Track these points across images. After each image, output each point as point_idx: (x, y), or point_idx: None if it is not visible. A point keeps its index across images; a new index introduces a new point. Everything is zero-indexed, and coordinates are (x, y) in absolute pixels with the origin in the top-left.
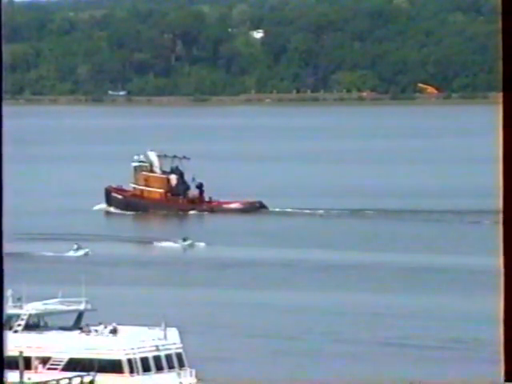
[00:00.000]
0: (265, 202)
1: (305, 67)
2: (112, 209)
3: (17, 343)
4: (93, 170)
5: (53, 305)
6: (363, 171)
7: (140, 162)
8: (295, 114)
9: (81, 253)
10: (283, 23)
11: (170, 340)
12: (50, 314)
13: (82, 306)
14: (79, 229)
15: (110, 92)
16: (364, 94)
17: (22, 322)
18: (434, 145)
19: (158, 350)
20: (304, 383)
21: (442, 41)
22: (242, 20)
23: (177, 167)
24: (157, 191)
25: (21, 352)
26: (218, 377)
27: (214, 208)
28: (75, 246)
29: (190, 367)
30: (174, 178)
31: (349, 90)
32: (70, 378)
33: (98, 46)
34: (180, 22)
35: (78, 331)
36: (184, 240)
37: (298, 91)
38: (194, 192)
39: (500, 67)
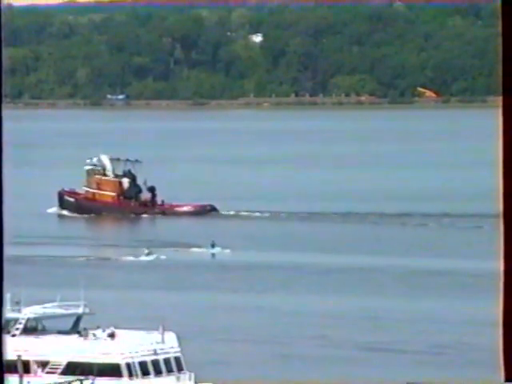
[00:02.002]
0: (219, 205)
1: (304, 71)
2: (65, 212)
3: (15, 347)
4: (56, 173)
5: (51, 308)
6: (361, 175)
7: (93, 165)
8: (294, 118)
9: (151, 257)
10: (282, 27)
11: (168, 344)
12: (49, 317)
13: (80, 310)
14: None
15: (109, 96)
16: (363, 97)
17: (21, 326)
18: (433, 148)
19: (156, 353)
20: (303, 383)
21: (441, 45)
22: (240, 24)
23: (129, 171)
24: (109, 194)
25: (19, 356)
26: (217, 380)
27: (166, 211)
28: (146, 251)
29: (189, 371)
30: (126, 182)
31: (347, 94)
32: (69, 382)
33: (97, 50)
34: (179, 25)
35: (77, 335)
36: (212, 246)
37: (296, 95)
38: (146, 195)
39: (499, 71)
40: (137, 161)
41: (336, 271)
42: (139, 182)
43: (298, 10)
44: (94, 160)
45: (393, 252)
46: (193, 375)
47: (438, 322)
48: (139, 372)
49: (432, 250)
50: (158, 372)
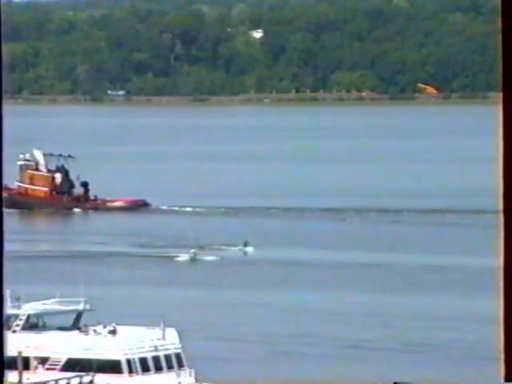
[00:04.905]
0: (153, 200)
1: (304, 67)
2: None
3: (15, 343)
4: None
5: (51, 305)
6: (361, 171)
7: (25, 160)
8: (294, 114)
9: (188, 257)
10: (282, 23)
11: (168, 340)
12: (49, 314)
13: (80, 306)
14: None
15: (109, 92)
16: (363, 93)
17: (21, 322)
18: (434, 145)
19: (156, 350)
20: (304, 383)
21: (442, 41)
22: (241, 20)
23: (62, 166)
24: (41, 189)
25: (19, 352)
26: (218, 377)
27: (98, 206)
28: (192, 250)
29: (189, 367)
30: (58, 177)
31: (348, 90)
32: (68, 379)
33: (97, 46)
34: (179, 21)
35: (77, 331)
36: (245, 245)
37: (297, 91)
38: (78, 190)
39: (499, 67)
40: (70, 156)
41: (315, 267)
42: (72, 177)
43: (299, 6)
44: (27, 155)
45: (392, 248)
46: (193, 371)
47: (437, 319)
48: (139, 368)
49: (431, 246)
50: (159, 368)
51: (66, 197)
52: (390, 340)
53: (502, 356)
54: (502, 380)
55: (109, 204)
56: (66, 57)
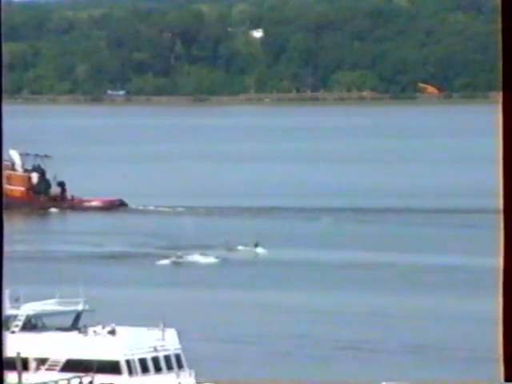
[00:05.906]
0: (130, 200)
1: (304, 67)
2: None
3: (14, 344)
4: None
5: (51, 305)
6: (362, 171)
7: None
8: (295, 114)
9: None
10: (283, 23)
11: (168, 341)
12: (48, 314)
13: (80, 307)
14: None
15: (109, 91)
16: (364, 93)
17: (20, 323)
18: (435, 145)
19: (156, 350)
20: (304, 383)
21: (443, 40)
22: (241, 19)
23: (39, 165)
24: (18, 189)
25: (18, 353)
26: (218, 378)
27: (75, 206)
28: (179, 253)
29: (189, 368)
30: (35, 177)
31: (349, 90)
32: (68, 379)
33: (97, 46)
34: (179, 21)
35: (76, 332)
36: (256, 245)
37: (297, 91)
38: (55, 190)
39: (500, 66)
40: (46, 156)
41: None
42: (49, 176)
43: (299, 6)
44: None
45: (392, 248)
46: (193, 372)
47: (437, 319)
48: (139, 369)
49: (431, 246)
50: (158, 369)
51: (43, 197)
52: (390, 341)
53: (501, 356)
54: (502, 380)
55: (85, 204)
56: (65, 56)
